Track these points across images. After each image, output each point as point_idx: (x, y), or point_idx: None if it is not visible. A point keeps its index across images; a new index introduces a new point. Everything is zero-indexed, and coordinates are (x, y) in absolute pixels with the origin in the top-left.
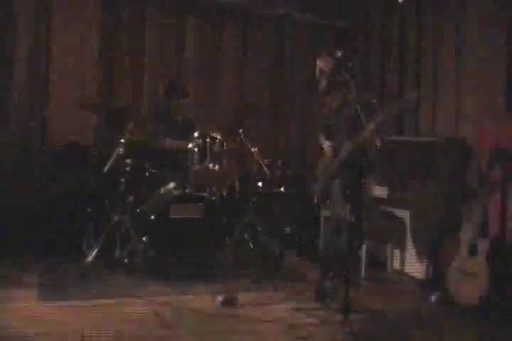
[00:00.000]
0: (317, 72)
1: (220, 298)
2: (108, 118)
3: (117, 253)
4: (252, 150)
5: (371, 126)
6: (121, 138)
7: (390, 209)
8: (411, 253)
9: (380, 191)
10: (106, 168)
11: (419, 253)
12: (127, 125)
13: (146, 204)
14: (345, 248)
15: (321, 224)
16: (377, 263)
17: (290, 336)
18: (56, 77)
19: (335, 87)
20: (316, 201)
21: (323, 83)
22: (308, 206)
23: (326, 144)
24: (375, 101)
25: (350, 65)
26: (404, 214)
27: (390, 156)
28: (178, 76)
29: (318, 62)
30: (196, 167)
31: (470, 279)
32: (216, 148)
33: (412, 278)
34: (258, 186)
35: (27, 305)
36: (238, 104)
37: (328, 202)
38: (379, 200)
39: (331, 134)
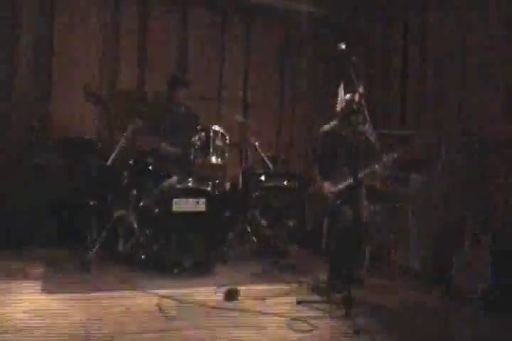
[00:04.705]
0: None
1: (222, 291)
2: (111, 108)
3: (120, 247)
4: (255, 143)
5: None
6: (124, 132)
7: (393, 203)
8: (414, 246)
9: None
10: (109, 161)
11: (422, 247)
12: (133, 122)
13: (149, 197)
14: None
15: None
16: (379, 256)
17: (292, 329)
18: (59, 73)
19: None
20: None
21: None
22: None
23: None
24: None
25: (354, 58)
26: (407, 207)
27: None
28: (179, 69)
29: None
30: (199, 160)
31: (472, 273)
32: (219, 141)
33: (414, 271)
34: (261, 180)
35: (30, 298)
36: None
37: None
38: (386, 195)
39: (325, 161)
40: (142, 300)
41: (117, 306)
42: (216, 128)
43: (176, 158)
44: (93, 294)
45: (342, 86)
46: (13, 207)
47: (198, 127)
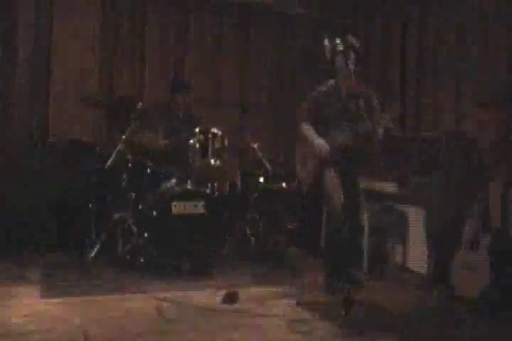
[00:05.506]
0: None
1: (221, 294)
2: (110, 111)
3: (119, 250)
4: (254, 145)
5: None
6: (122, 135)
7: (392, 203)
8: (413, 247)
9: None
10: (107, 165)
11: (422, 248)
12: (130, 116)
13: (148, 200)
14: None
15: (323, 220)
16: (379, 257)
17: (291, 331)
18: (57, 74)
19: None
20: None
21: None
22: (309, 201)
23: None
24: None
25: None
26: (406, 209)
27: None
28: (178, 71)
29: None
30: (198, 163)
31: (471, 274)
32: (217, 143)
33: (413, 272)
34: (260, 182)
35: (29, 302)
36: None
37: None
38: (384, 196)
39: (320, 121)
40: (141, 302)
41: (117, 309)
42: (214, 130)
43: (175, 154)
44: (92, 297)
45: (326, 39)
46: (13, 207)
47: (197, 129)
